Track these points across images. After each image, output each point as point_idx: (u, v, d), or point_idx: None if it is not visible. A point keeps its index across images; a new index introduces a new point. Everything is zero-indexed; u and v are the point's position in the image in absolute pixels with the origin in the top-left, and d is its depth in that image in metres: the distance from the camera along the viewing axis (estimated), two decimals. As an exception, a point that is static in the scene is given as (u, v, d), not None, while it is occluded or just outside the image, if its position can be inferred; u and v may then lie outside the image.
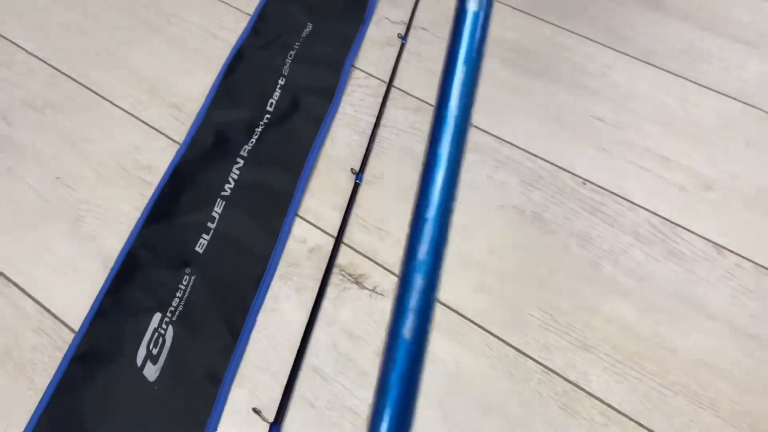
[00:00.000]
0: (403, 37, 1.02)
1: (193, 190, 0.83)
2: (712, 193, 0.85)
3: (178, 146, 0.88)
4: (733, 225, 0.82)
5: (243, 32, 1.01)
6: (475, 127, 0.92)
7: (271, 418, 0.67)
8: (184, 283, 0.75)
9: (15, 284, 0.76)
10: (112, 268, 0.77)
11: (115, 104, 0.93)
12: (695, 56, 0.99)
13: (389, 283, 0.76)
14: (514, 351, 0.72)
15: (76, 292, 0.76)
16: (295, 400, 0.68)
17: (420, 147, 0.90)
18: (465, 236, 0.81)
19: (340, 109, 0.94)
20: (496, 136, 0.91)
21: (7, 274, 0.77)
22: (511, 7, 1.05)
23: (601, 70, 0.99)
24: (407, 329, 0.37)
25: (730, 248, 0.80)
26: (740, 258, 0.79)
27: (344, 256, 0.79)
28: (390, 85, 0.97)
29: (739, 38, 1.01)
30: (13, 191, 0.84)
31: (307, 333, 0.72)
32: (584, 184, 0.86)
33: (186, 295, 0.74)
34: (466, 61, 0.44)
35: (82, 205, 0.83)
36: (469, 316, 0.74)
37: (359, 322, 0.73)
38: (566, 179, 0.87)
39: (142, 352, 0.70)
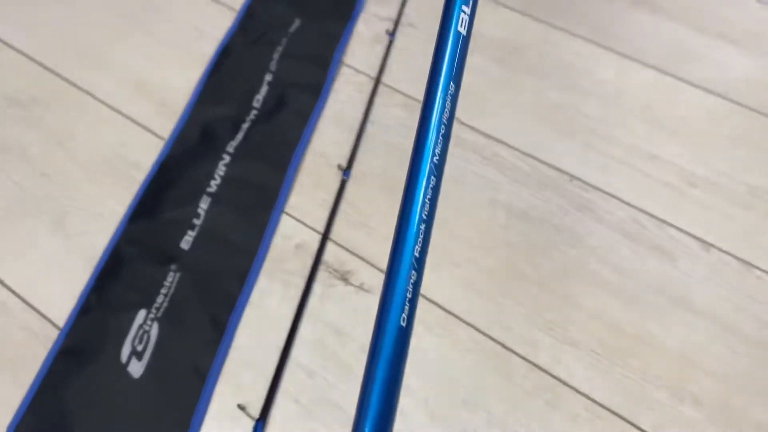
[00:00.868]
0: (392, 34, 1.02)
1: (179, 187, 0.83)
2: (698, 190, 0.86)
3: (164, 142, 0.88)
4: (718, 222, 0.83)
5: (230, 28, 1.01)
6: (463, 123, 0.92)
7: (256, 414, 0.67)
8: (170, 279, 0.75)
9: (-1, 281, 0.76)
10: (97, 265, 0.77)
11: (101, 100, 0.93)
12: (683, 54, 1.00)
13: (376, 280, 0.76)
14: (499, 347, 0.72)
15: (61, 289, 0.75)
16: (280, 396, 0.68)
17: (408, 143, 0.89)
18: (451, 232, 0.81)
19: (328, 106, 0.94)
20: (483, 133, 0.91)
21: (-9, 271, 0.77)
22: (501, 4, 1.06)
23: (590, 68, 0.99)
24: (395, 320, 0.37)
25: (715, 244, 0.80)
26: (725, 254, 0.80)
27: (331, 253, 0.79)
28: (378, 81, 0.97)
29: (727, 37, 1.01)
30: (-2, 187, 0.84)
31: (293, 329, 0.72)
32: (571, 180, 0.86)
33: (171, 292, 0.74)
34: (450, 60, 0.44)
35: (67, 202, 0.83)
36: (454, 312, 0.74)
37: (345, 319, 0.73)
38: (553, 176, 0.87)
39: (126, 349, 0.70)
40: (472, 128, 0.91)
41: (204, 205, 0.81)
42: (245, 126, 0.89)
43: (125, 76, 0.96)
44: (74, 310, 0.73)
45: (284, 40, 0.99)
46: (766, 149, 0.90)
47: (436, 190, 0.40)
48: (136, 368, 0.69)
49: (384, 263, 0.77)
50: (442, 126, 0.41)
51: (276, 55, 0.98)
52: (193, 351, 0.70)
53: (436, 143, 0.40)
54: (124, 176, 0.85)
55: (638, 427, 0.68)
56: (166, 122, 0.91)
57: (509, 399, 0.69)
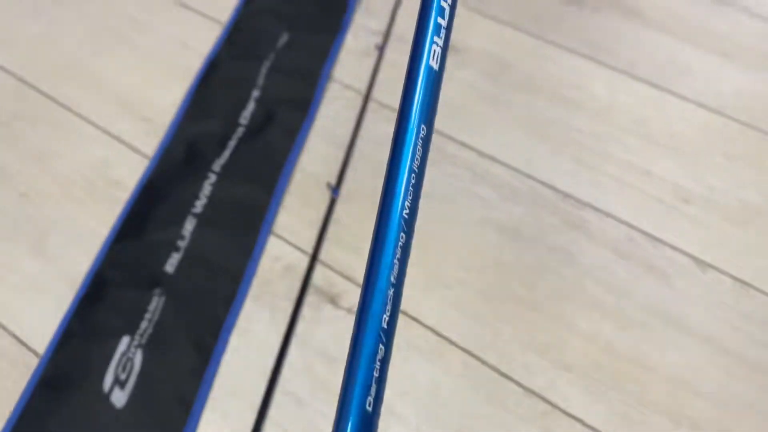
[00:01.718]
0: (381, 47, 1.00)
1: (164, 207, 0.80)
2: (692, 206, 0.84)
3: (148, 161, 0.86)
4: (712, 239, 0.82)
5: (216, 42, 0.99)
6: (453, 140, 0.90)
7: (243, 445, 0.65)
8: (154, 304, 0.73)
9: (-23, 307, 0.73)
10: (79, 289, 0.74)
11: (84, 118, 0.91)
12: (676, 68, 0.99)
13: (366, 303, 0.74)
14: (493, 372, 0.70)
15: (41, 314, 0.73)
16: (268, 425, 0.66)
17: (398, 160, 0.88)
18: (442, 252, 0.79)
19: (317, 122, 0.92)
20: (474, 149, 0.89)
21: (-31, 296, 0.74)
22: (490, 17, 1.04)
23: (582, 82, 0.98)
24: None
25: (710, 263, 0.79)
26: (720, 273, 0.78)
27: (320, 275, 0.77)
28: (367, 96, 0.95)
29: (718, 50, 1.00)
30: (-24, 208, 0.81)
31: (281, 355, 0.70)
32: (564, 198, 0.85)
33: (155, 317, 0.72)
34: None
35: (48, 223, 0.80)
36: (447, 336, 0.72)
37: (335, 344, 0.71)
38: (546, 193, 0.85)
39: (109, 378, 0.68)
40: (462, 144, 0.90)
41: (189, 226, 0.79)
42: (232, 143, 0.87)
43: (109, 93, 0.94)
44: (55, 337, 0.71)
45: (272, 55, 0.98)
46: (760, 164, 0.89)
47: (406, 249, 0.36)
48: (119, 397, 0.67)
49: (374, 285, 0.75)
50: (413, 176, 0.37)
51: (264, 70, 0.96)
52: (177, 379, 0.68)
53: (405, 196, 0.36)
54: (107, 196, 0.83)
55: (635, 454, 0.66)
56: (150, 140, 0.89)
57: (504, 426, 0.67)
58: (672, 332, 0.74)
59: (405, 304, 0.74)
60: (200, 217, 0.80)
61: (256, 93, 0.93)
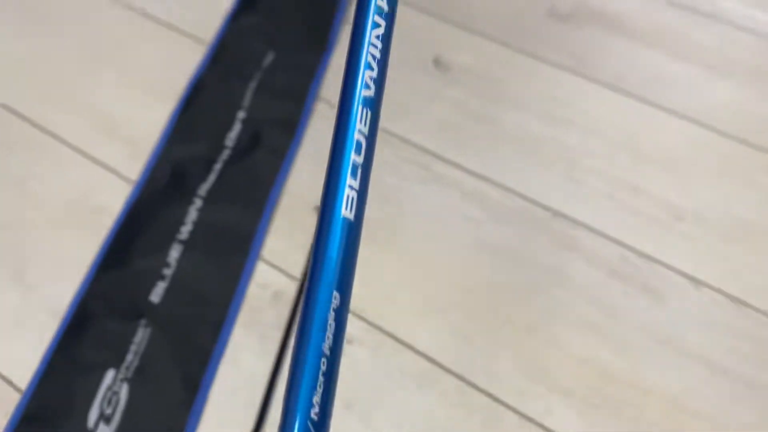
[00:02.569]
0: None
1: (148, 234, 0.79)
2: (685, 224, 0.84)
3: (132, 186, 0.84)
4: (706, 256, 0.81)
5: (201, 63, 0.97)
6: (441, 158, 0.89)
7: (233, 481, 0.63)
8: (139, 335, 0.71)
9: (-45, 341, 0.71)
10: (62, 321, 0.72)
11: (65, 142, 0.89)
12: (663, 82, 0.98)
13: (357, 330, 0.73)
14: (488, 398, 0.69)
15: (23, 348, 0.71)
16: (258, 460, 0.65)
17: (389, 180, 0.87)
18: (433, 275, 0.78)
19: (304, 143, 0.90)
20: (463, 168, 0.88)
21: (-53, 331, 0.72)
22: (477, 33, 1.03)
23: (570, 98, 0.97)
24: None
25: (705, 281, 0.78)
26: (715, 292, 0.78)
27: (309, 301, 0.75)
28: (355, 116, 0.93)
29: (705, 63, 1.00)
30: (-45, 238, 0.79)
31: (271, 386, 0.68)
32: (555, 217, 0.84)
33: (141, 349, 0.70)
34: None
35: (28, 252, 0.78)
36: (440, 362, 0.71)
37: (326, 373, 0.70)
38: (537, 212, 0.84)
39: (94, 413, 0.66)
40: (450, 163, 0.89)
41: (175, 253, 0.77)
42: (217, 167, 0.86)
43: (92, 115, 0.92)
44: (38, 371, 0.69)
45: (258, 75, 0.96)
46: (750, 179, 0.89)
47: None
48: (104, 434, 0.65)
49: (367, 310, 0.74)
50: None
51: (249, 91, 0.95)
52: (165, 412, 0.66)
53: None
54: (91, 223, 0.81)
55: (635, 481, 0.65)
56: (134, 164, 0.87)
57: (500, 455, 0.66)
58: (668, 353, 0.73)
59: (395, 329, 0.73)
60: (186, 244, 0.78)
61: (242, 114, 0.92)
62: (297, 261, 0.78)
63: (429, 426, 0.67)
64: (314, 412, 0.28)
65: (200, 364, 0.69)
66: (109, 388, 0.67)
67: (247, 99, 0.93)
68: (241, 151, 0.88)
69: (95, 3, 1.06)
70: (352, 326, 0.73)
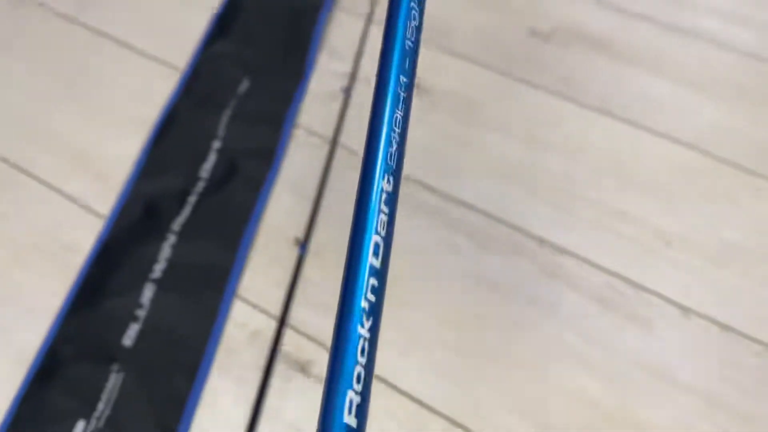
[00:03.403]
0: (347, 90, 0.97)
1: (120, 273, 0.76)
2: (672, 249, 0.82)
3: (104, 222, 0.81)
4: (696, 283, 0.79)
5: (174, 91, 0.95)
6: (424, 185, 0.87)
7: None
8: (111, 381, 0.67)
9: None
10: (29, 368, 0.69)
11: (33, 176, 0.86)
12: (648, 103, 0.97)
13: (339, 368, 0.70)
14: (476, 439, 0.67)
15: (-12, 398, 0.68)
16: None
17: (368, 211, 0.84)
18: (417, 309, 0.76)
19: (282, 172, 0.88)
20: (447, 195, 0.86)
21: None
22: (458, 55, 1.02)
23: (554, 121, 0.96)
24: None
25: (694, 309, 0.77)
26: (705, 320, 0.76)
27: (289, 340, 0.72)
28: (335, 142, 0.91)
29: (690, 83, 0.99)
30: None
31: (250, 433, 0.65)
32: (541, 244, 0.82)
33: (113, 396, 0.67)
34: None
35: (-5, 295, 0.75)
36: (427, 403, 0.68)
37: (306, 418, 0.67)
38: (523, 240, 0.82)
39: (62, 468, 0.63)
40: (433, 190, 0.86)
41: (148, 293, 0.74)
42: (192, 199, 0.83)
43: (60, 148, 0.89)
44: (3, 424, 0.65)
45: (233, 102, 0.94)
46: (736, 201, 0.87)
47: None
48: (73, 489, 0.62)
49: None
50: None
51: (224, 119, 0.92)
52: (138, 465, 0.63)
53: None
54: (60, 262, 0.78)
55: None
56: (106, 198, 0.84)
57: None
58: (660, 385, 0.71)
59: (380, 369, 0.70)
60: (159, 283, 0.75)
61: (216, 144, 0.89)
62: (275, 298, 0.75)
63: (415, 470, 0.65)
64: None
65: (175, 412, 0.66)
66: (79, 440, 0.64)
67: (222, 128, 0.91)
68: (217, 182, 0.85)
69: (64, 30, 1.04)
70: (334, 367, 0.70)
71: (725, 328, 0.75)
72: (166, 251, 0.77)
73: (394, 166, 0.36)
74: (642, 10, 1.07)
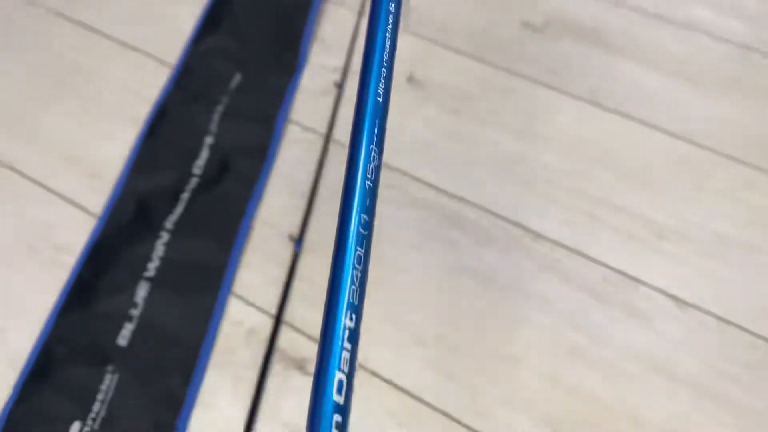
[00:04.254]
0: (340, 85, 0.96)
1: (114, 272, 0.75)
2: (667, 242, 0.82)
3: (96, 220, 0.80)
4: (691, 277, 0.79)
5: (165, 86, 0.94)
6: (418, 180, 0.87)
7: None
8: (106, 382, 0.67)
9: None
10: (22, 371, 0.68)
11: (24, 175, 0.85)
12: (641, 95, 0.97)
13: (336, 366, 0.70)
14: (474, 435, 0.67)
15: (-19, 401, 0.67)
16: None
17: (362, 206, 0.84)
18: (412, 305, 0.75)
19: (275, 168, 0.87)
20: (441, 190, 0.86)
21: None
22: (451, 49, 1.01)
23: (548, 114, 0.95)
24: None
25: (690, 302, 0.77)
26: (701, 313, 0.76)
27: (285, 338, 0.72)
28: (328, 138, 0.91)
29: (682, 74, 0.99)
30: None
31: (248, 432, 0.65)
32: (537, 239, 0.82)
33: (109, 397, 0.66)
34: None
35: (-14, 296, 0.74)
36: (423, 398, 0.68)
37: (305, 416, 0.66)
38: (518, 235, 0.82)
39: (59, 470, 0.62)
40: (427, 184, 0.86)
41: (142, 292, 0.73)
42: (185, 197, 0.82)
43: (51, 146, 0.88)
44: (-3, 426, 0.65)
45: (225, 98, 0.93)
46: (731, 193, 0.88)
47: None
48: (70, 492, 0.61)
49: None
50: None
51: (216, 115, 0.91)
52: (135, 466, 0.63)
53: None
54: (52, 262, 0.77)
55: None
56: (98, 197, 0.83)
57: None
58: (658, 380, 0.71)
59: (376, 365, 0.70)
60: (153, 281, 0.74)
61: (209, 140, 0.88)
62: (271, 295, 0.75)
63: (414, 467, 0.65)
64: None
65: (172, 412, 0.66)
66: (75, 442, 0.64)
67: (215, 124, 0.90)
68: (210, 179, 0.84)
69: (53, 25, 1.02)
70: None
71: (721, 320, 0.76)
72: (159, 249, 0.77)
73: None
74: (635, 2, 1.06)
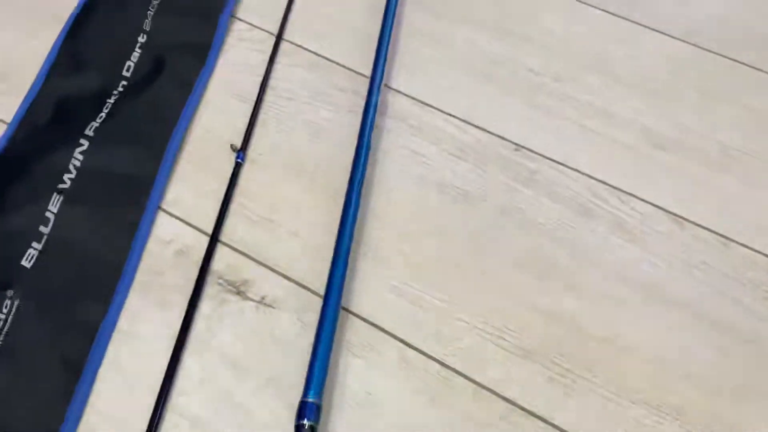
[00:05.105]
0: (295, -21, 0.84)
1: (22, 185, 0.64)
2: (664, 152, 0.72)
3: (5, 127, 0.69)
4: (690, 190, 0.70)
5: (92, -22, 0.81)
6: (390, 88, 0.76)
7: (123, 486, 0.51)
8: (5, 309, 0.57)
9: None
10: None
11: None
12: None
13: (282, 290, 0.60)
14: (439, 366, 0.57)
15: None
16: (157, 456, 0.52)
17: (317, 112, 0.73)
18: (377, 222, 0.65)
19: (217, 70, 0.76)
20: (412, 97, 0.75)
21: None
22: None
23: (532, 13, 0.84)
24: None
25: (688, 218, 0.67)
26: (701, 229, 0.67)
27: (222, 259, 0.62)
28: (279, 37, 0.79)
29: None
30: None
31: (173, 364, 0.55)
32: (517, 150, 0.72)
33: (7, 326, 0.56)
34: None
35: None
36: (382, 326, 0.59)
37: (243, 345, 0.57)
38: (496, 145, 0.72)
39: (-51, 409, 0.53)
40: (399, 92, 0.76)
41: (54, 207, 0.63)
42: (111, 101, 0.71)
43: (-45, 45, 0.76)
44: None
45: (161, -9, 0.80)
46: (736, 99, 0.78)
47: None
48: (-38, 434, 0.52)
49: (293, 268, 0.61)
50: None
51: (151, 10, 0.79)
52: (40, 403, 0.53)
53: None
54: (-48, 173, 0.66)
55: (613, 457, 0.55)
56: (10, 101, 0.72)
57: (461, 426, 0.54)
58: (649, 303, 0.62)
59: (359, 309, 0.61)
60: (68, 194, 0.64)
61: (142, 38, 0.77)
62: (206, 211, 0.64)
63: (367, 403, 0.56)
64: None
65: (85, 342, 0.56)
66: (-32, 376, 0.54)
67: (149, 20, 0.78)
68: (141, 81, 0.73)
69: None
70: (274, 286, 0.60)
71: (722, 238, 0.66)
72: (77, 158, 0.66)
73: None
74: None
